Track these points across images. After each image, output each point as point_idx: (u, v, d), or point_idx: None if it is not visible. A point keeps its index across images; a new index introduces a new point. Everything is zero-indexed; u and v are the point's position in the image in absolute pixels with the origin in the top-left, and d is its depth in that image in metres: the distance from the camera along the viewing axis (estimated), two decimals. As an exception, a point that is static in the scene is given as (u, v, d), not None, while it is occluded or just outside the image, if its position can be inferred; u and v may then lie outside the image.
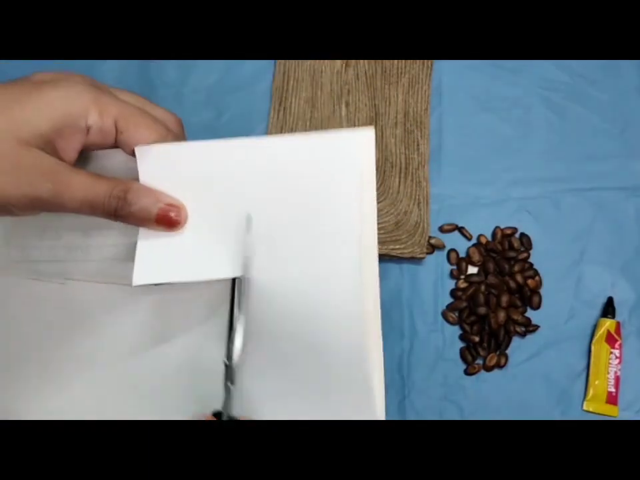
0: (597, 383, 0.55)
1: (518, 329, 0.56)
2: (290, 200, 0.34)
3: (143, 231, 0.33)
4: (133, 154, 0.33)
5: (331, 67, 0.62)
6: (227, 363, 0.33)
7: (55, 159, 0.30)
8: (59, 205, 0.30)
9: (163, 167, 0.32)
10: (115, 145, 0.33)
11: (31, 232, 0.37)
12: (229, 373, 0.33)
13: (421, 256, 0.57)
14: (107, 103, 0.31)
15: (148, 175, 0.32)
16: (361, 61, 0.62)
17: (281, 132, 0.60)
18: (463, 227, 0.59)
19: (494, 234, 0.59)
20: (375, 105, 0.61)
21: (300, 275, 0.34)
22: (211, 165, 0.33)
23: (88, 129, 0.31)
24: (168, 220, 0.32)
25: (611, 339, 0.56)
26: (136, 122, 0.32)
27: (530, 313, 0.57)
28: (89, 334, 0.37)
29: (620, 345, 0.56)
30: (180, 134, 0.36)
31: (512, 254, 0.58)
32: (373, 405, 0.34)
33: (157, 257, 0.33)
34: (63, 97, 0.30)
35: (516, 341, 0.56)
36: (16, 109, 0.29)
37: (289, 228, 0.34)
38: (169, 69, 0.63)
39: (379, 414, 0.34)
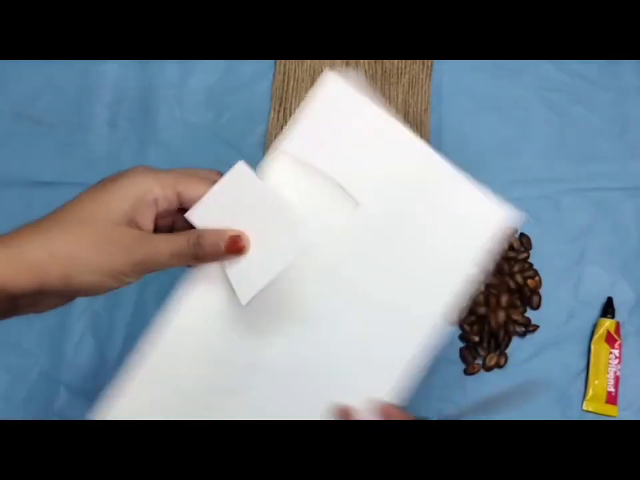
0: (596, 382, 0.56)
1: (518, 329, 0.56)
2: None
3: (225, 264, 0.40)
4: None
5: (331, 68, 0.62)
6: None
7: (138, 230, 0.38)
8: (155, 263, 0.38)
9: (210, 213, 0.40)
10: (181, 207, 0.40)
11: None
12: None
13: (421, 256, 0.57)
14: (164, 177, 0.39)
15: (202, 225, 0.40)
16: (361, 61, 0.62)
17: (281, 132, 0.60)
18: (462, 227, 0.59)
19: (494, 234, 0.59)
20: (375, 105, 0.61)
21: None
22: (246, 193, 0.40)
23: (156, 201, 0.38)
24: (235, 248, 0.39)
25: (610, 339, 0.56)
26: (188, 182, 0.40)
27: (530, 313, 0.57)
28: None
29: (619, 345, 0.56)
30: None
31: (512, 254, 0.58)
32: None
33: (246, 273, 0.40)
34: (133, 183, 0.38)
35: (516, 340, 0.56)
36: (104, 199, 0.38)
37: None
38: (169, 70, 0.63)
39: None
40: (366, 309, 0.40)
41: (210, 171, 0.42)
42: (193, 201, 0.40)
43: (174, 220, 0.41)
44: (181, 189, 0.39)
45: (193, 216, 0.40)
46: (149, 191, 0.39)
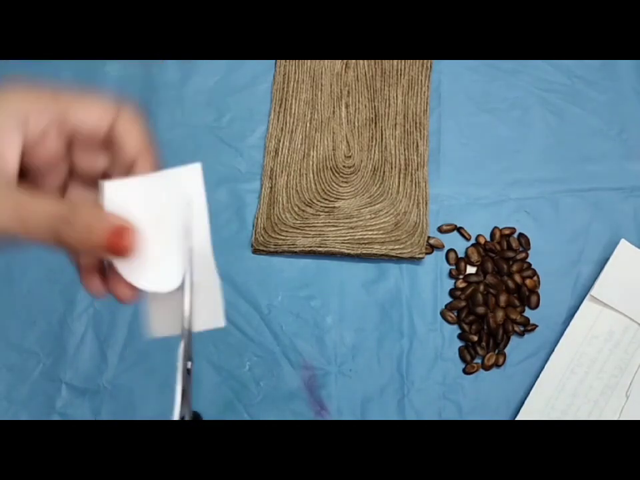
0: (594, 382, 0.56)
1: (516, 329, 0.56)
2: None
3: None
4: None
5: (330, 69, 0.62)
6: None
7: None
8: None
9: (125, 198, 0.30)
10: (63, 144, 0.29)
11: None
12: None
13: (420, 256, 0.57)
14: (39, 90, 0.28)
15: (112, 206, 0.30)
16: (361, 62, 0.62)
17: (282, 133, 0.61)
18: (461, 227, 0.59)
19: (492, 234, 0.59)
20: (374, 106, 0.61)
21: None
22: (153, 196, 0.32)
23: (25, 122, 0.27)
24: (114, 244, 0.28)
25: (608, 339, 0.56)
26: (74, 97, 0.28)
27: (528, 313, 0.57)
28: None
29: (617, 345, 0.56)
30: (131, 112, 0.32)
31: (510, 254, 0.58)
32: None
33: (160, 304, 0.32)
34: None
35: (514, 340, 0.57)
36: None
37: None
38: (170, 70, 0.63)
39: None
40: None
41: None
42: (86, 133, 0.29)
43: (63, 178, 0.30)
44: (64, 106, 0.28)
45: (109, 188, 0.30)
46: (14, 104, 0.26)
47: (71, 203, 0.29)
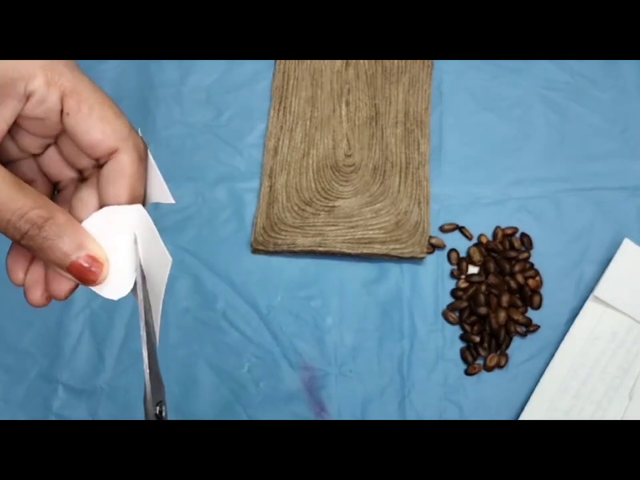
0: (597, 383, 0.56)
1: (519, 329, 0.56)
2: None
3: None
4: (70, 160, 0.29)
5: (331, 66, 0.62)
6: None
7: None
8: None
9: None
10: (56, 134, 0.27)
11: None
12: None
13: (422, 256, 0.57)
14: (61, 72, 0.26)
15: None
16: (361, 60, 0.62)
17: (281, 131, 0.60)
18: (463, 227, 0.59)
19: (494, 234, 0.59)
20: (375, 104, 0.61)
21: None
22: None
23: (27, 97, 0.26)
24: (82, 273, 0.27)
25: (611, 339, 0.56)
26: (90, 106, 0.26)
27: (530, 313, 0.57)
28: None
29: (621, 345, 0.56)
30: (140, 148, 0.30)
31: (513, 254, 0.57)
32: None
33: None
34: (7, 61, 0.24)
35: (516, 341, 0.56)
36: None
37: None
38: (168, 69, 0.63)
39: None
40: None
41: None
42: (77, 135, 0.27)
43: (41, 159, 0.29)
44: (72, 106, 0.26)
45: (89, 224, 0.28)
46: (23, 76, 0.26)
47: (52, 209, 0.26)
